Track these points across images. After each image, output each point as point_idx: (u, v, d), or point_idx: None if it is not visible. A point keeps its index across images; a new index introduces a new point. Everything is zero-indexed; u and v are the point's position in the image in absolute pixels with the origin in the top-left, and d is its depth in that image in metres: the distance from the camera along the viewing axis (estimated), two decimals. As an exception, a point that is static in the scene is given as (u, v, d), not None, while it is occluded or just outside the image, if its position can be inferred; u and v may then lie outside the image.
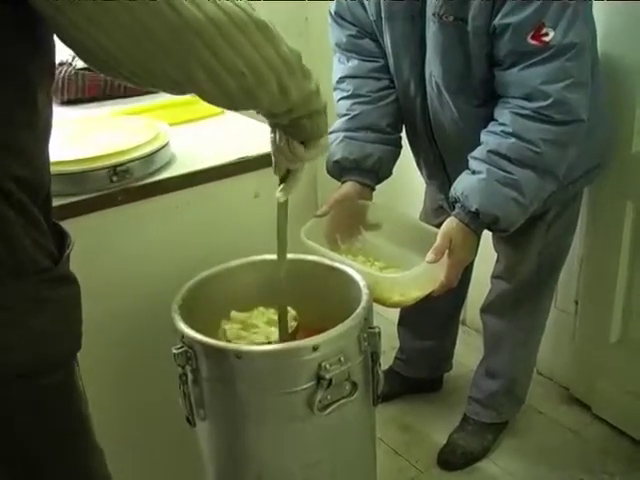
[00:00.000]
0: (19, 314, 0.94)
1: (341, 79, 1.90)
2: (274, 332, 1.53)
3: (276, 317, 1.51)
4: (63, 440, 1.07)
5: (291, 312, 1.54)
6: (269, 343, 1.48)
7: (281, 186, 1.34)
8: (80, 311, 1.05)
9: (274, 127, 1.23)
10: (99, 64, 0.91)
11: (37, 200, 0.96)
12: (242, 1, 0.94)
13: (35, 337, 0.96)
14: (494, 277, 2.14)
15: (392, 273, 1.70)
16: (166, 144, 1.63)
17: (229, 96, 0.97)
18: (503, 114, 1.61)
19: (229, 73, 0.94)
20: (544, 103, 1.56)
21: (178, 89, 0.96)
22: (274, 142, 1.25)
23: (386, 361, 2.44)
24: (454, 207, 1.67)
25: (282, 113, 1.12)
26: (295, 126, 1.18)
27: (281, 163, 1.29)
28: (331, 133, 1.87)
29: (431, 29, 1.66)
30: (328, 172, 1.86)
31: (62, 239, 1.06)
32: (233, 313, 1.58)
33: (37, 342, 0.97)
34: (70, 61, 2.07)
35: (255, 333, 1.55)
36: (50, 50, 0.94)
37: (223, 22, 0.90)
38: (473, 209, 1.61)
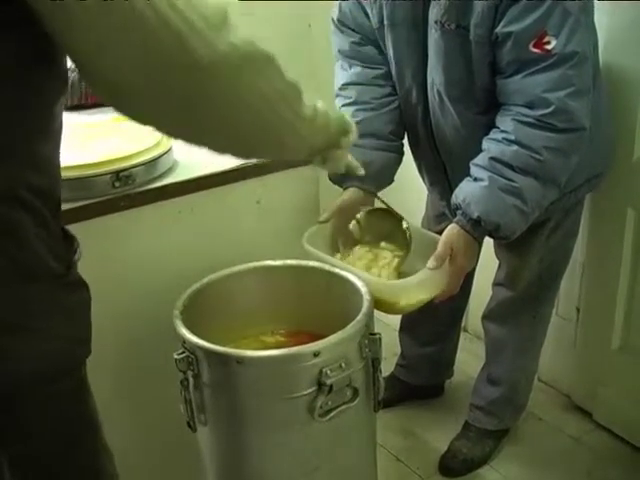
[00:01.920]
0: (34, 320, 0.94)
1: (344, 86, 1.90)
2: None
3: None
4: (77, 443, 1.08)
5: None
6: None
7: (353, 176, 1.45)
8: (89, 316, 1.06)
9: (321, 156, 1.27)
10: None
11: (51, 207, 0.97)
12: (248, 38, 0.93)
13: (49, 343, 0.96)
14: (495, 284, 2.14)
15: (394, 280, 1.70)
16: (169, 150, 1.64)
17: (247, 139, 0.99)
18: (505, 121, 1.62)
19: (246, 111, 0.94)
20: (546, 111, 1.56)
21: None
22: (329, 161, 1.29)
23: (387, 367, 2.44)
24: (455, 214, 1.67)
25: (309, 137, 1.13)
26: (330, 136, 1.22)
27: (341, 166, 1.34)
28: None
29: (433, 37, 1.66)
30: (330, 179, 1.86)
31: (71, 244, 1.06)
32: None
33: (51, 348, 0.97)
34: (74, 67, 2.08)
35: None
36: (64, 62, 0.93)
37: (233, 61, 0.89)
38: (475, 216, 1.61)
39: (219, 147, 1.01)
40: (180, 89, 0.86)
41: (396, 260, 1.74)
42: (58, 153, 0.99)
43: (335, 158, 1.28)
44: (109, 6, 0.77)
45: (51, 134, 0.95)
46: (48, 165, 0.96)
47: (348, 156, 1.35)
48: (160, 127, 0.94)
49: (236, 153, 1.06)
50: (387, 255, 1.77)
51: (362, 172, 1.44)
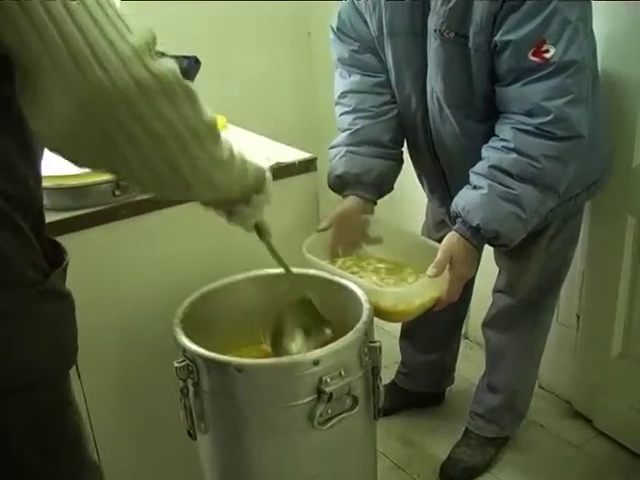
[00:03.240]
0: (4, 327, 0.93)
1: (343, 94, 1.91)
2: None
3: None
4: (58, 456, 1.06)
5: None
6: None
7: (263, 238, 1.35)
8: (71, 328, 1.04)
9: (228, 208, 1.22)
10: None
11: (27, 217, 0.96)
12: (172, 67, 0.88)
13: (17, 351, 0.95)
14: (496, 291, 2.14)
15: (393, 287, 1.70)
16: (169, 159, 1.64)
17: (152, 168, 0.93)
18: (504, 130, 1.62)
19: (151, 140, 0.89)
20: (545, 119, 1.56)
21: (98, 159, 0.93)
22: (234, 216, 1.23)
23: (388, 375, 2.44)
24: (455, 222, 1.67)
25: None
26: (242, 187, 1.17)
27: (249, 224, 1.27)
28: (333, 148, 1.88)
29: (432, 45, 1.67)
30: (330, 187, 1.87)
31: (58, 255, 1.05)
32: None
33: (22, 357, 0.95)
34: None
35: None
36: None
37: (149, 87, 0.85)
38: (474, 224, 1.61)
39: (129, 177, 0.97)
40: (92, 110, 0.83)
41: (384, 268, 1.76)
42: (37, 167, 0.99)
43: (242, 214, 1.21)
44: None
45: (27, 150, 0.95)
46: (24, 177, 0.95)
47: (259, 215, 1.26)
48: (67, 154, 0.91)
49: (145, 187, 1.03)
50: (372, 262, 1.79)
51: (271, 237, 1.35)
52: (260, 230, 1.32)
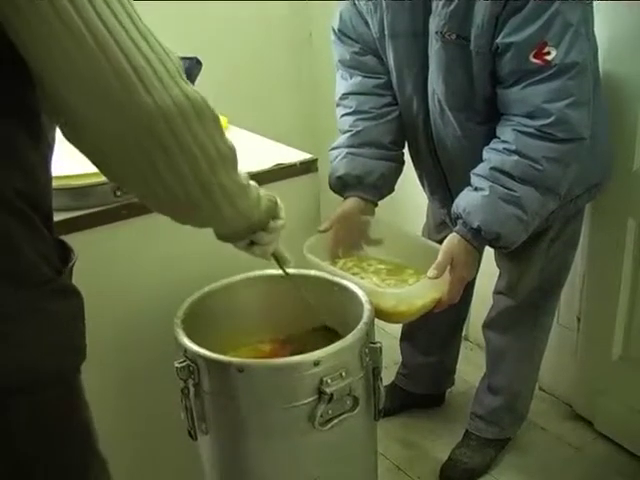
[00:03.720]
0: (17, 324, 0.93)
1: (344, 95, 1.91)
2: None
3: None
4: (65, 452, 1.07)
5: None
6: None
7: (282, 266, 1.41)
8: (83, 324, 1.05)
9: (249, 233, 1.24)
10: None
11: (40, 214, 0.97)
12: (200, 92, 0.95)
13: (31, 348, 0.96)
14: (496, 293, 2.14)
15: (394, 288, 1.71)
16: (170, 159, 1.64)
17: (185, 185, 0.97)
18: (505, 132, 1.62)
19: (186, 158, 0.94)
20: (546, 121, 1.57)
21: (136, 177, 0.97)
22: (255, 243, 1.27)
23: (389, 376, 2.44)
24: (456, 223, 1.67)
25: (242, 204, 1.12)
26: (263, 213, 1.21)
27: (268, 251, 1.32)
28: (334, 149, 1.89)
29: (434, 47, 1.67)
30: (331, 188, 1.87)
31: (65, 253, 1.07)
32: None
33: (36, 354, 0.96)
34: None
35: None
36: None
37: (186, 109, 0.91)
38: (475, 226, 1.62)
39: (155, 196, 1.00)
40: (130, 127, 0.88)
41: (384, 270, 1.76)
42: (49, 166, 1.01)
43: (263, 242, 1.25)
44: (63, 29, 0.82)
45: (40, 144, 0.97)
46: (37, 174, 0.97)
47: (277, 243, 1.32)
48: (102, 165, 0.96)
49: (170, 210, 1.07)
50: (373, 263, 1.79)
51: (291, 263, 1.42)
52: (278, 258, 1.37)
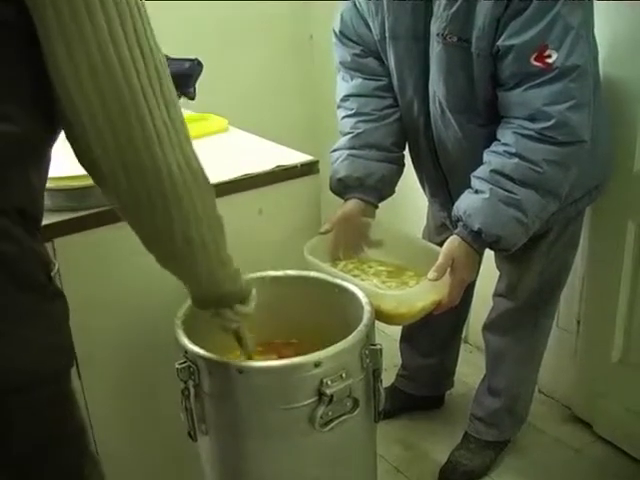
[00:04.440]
0: (16, 325, 0.95)
1: (345, 97, 1.92)
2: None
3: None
4: (60, 451, 1.08)
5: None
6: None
7: (243, 347, 1.42)
8: (69, 326, 1.07)
9: (214, 304, 1.28)
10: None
11: (36, 221, 1.01)
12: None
13: (33, 350, 0.97)
14: (496, 295, 2.14)
15: (395, 290, 1.71)
16: (171, 160, 1.64)
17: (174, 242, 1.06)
18: (506, 134, 1.63)
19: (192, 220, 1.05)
20: (547, 124, 1.57)
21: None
22: (218, 316, 1.30)
23: (388, 378, 2.44)
24: (456, 226, 1.68)
25: (219, 271, 1.18)
26: (233, 289, 1.25)
27: (230, 328, 1.35)
28: (335, 151, 1.89)
29: (435, 49, 1.67)
30: (331, 190, 1.87)
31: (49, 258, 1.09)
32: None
33: (35, 355, 0.98)
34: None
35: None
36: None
37: (186, 176, 1.01)
38: (475, 228, 1.62)
39: (146, 241, 1.10)
40: (144, 186, 0.98)
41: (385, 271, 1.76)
42: (46, 177, 1.05)
43: (225, 317, 1.29)
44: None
45: (42, 165, 1.02)
46: (35, 189, 1.00)
47: (238, 323, 1.34)
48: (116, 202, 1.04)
49: (160, 257, 1.12)
50: (374, 265, 1.80)
51: (251, 349, 1.43)
52: (240, 338, 1.40)
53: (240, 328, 1.36)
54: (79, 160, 0.98)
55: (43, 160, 1.01)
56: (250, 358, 1.43)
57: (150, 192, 0.98)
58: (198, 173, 1.03)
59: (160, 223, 1.03)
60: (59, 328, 1.03)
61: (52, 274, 1.04)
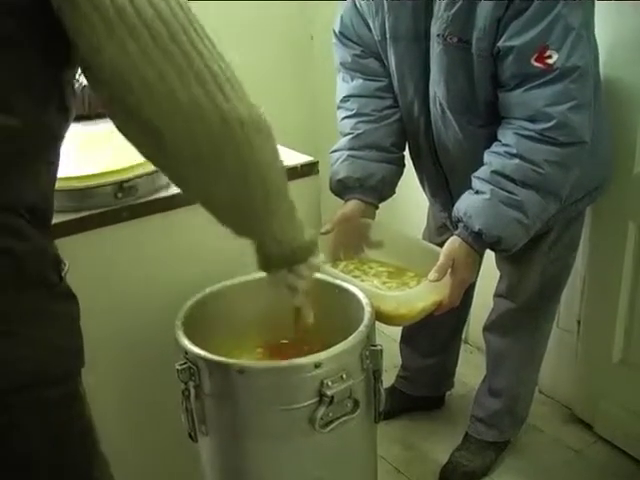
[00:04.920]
0: (27, 326, 0.95)
1: (345, 98, 1.91)
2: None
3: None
4: (67, 452, 1.08)
5: None
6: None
7: (296, 324, 1.39)
8: (80, 327, 1.07)
9: (286, 264, 1.24)
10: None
11: (47, 222, 1.02)
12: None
13: (42, 350, 0.97)
14: (496, 296, 2.14)
15: (395, 291, 1.71)
16: (172, 161, 1.64)
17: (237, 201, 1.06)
18: (507, 135, 1.63)
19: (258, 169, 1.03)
20: (547, 125, 1.57)
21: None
22: (286, 279, 1.27)
23: (388, 379, 2.44)
24: (457, 226, 1.67)
25: (285, 224, 1.16)
26: (300, 246, 1.22)
27: (298, 292, 1.30)
28: (335, 152, 1.89)
29: (435, 50, 1.67)
30: (332, 190, 1.87)
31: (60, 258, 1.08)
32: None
33: (44, 355, 0.98)
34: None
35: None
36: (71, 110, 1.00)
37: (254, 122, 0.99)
38: (476, 229, 1.62)
39: (211, 197, 1.07)
40: (201, 135, 0.95)
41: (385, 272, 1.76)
42: (56, 175, 1.05)
43: (299, 274, 1.25)
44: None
45: (53, 160, 1.01)
46: (45, 185, 1.00)
47: (300, 288, 1.29)
48: (164, 166, 1.03)
49: (229, 218, 1.11)
50: (374, 266, 1.79)
51: (311, 320, 1.37)
52: (298, 308, 1.36)
53: (303, 293, 1.32)
54: (124, 125, 0.97)
55: (53, 153, 1.00)
56: (306, 330, 1.39)
57: (221, 142, 0.96)
58: (264, 120, 1.01)
59: (234, 173, 1.01)
60: (69, 329, 1.03)
61: (63, 274, 1.03)
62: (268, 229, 1.14)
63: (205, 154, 0.96)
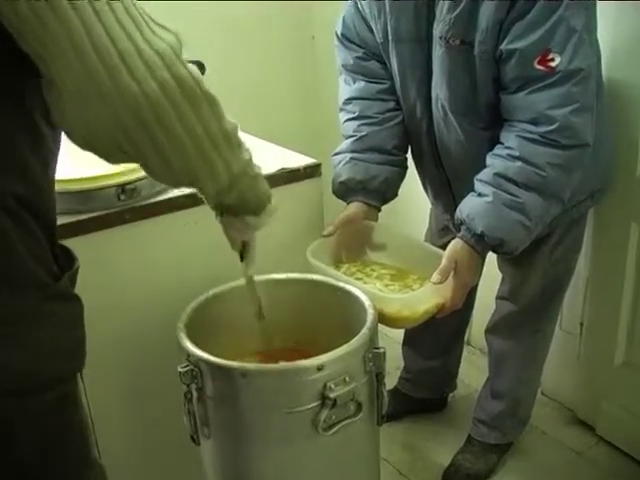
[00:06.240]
0: (16, 328, 0.94)
1: (347, 100, 1.91)
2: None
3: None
4: (62, 456, 1.07)
5: None
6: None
7: (244, 262, 1.38)
8: (82, 330, 1.06)
9: (221, 210, 1.23)
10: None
11: (39, 220, 0.97)
12: (195, 74, 0.93)
13: (30, 352, 0.96)
14: (499, 298, 2.14)
15: (398, 293, 1.70)
16: (174, 163, 1.64)
17: (169, 166, 0.97)
18: (509, 138, 1.62)
19: (172, 142, 0.94)
20: (550, 128, 1.56)
21: (119, 154, 0.96)
22: (223, 222, 1.26)
23: (391, 381, 2.43)
24: (459, 229, 1.67)
25: (225, 189, 1.10)
26: (242, 202, 1.19)
27: (236, 239, 1.30)
28: (337, 154, 1.89)
29: (438, 52, 1.67)
30: (334, 193, 1.87)
31: (68, 260, 1.07)
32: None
33: (31, 357, 0.96)
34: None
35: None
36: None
37: (173, 91, 0.90)
38: (479, 231, 1.62)
39: (147, 170, 1.01)
40: (114, 112, 0.88)
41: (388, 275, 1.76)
42: (50, 171, 1.01)
43: (268, 211, 1.24)
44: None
45: (41, 149, 0.97)
46: (37, 179, 0.97)
47: (246, 236, 1.30)
48: (95, 151, 0.96)
49: (159, 179, 1.05)
50: (376, 268, 1.80)
51: (254, 267, 1.39)
52: (244, 253, 1.35)
53: (248, 243, 1.32)
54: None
55: (38, 135, 0.96)
56: (249, 280, 1.41)
57: (130, 122, 0.89)
58: (187, 87, 0.91)
59: (154, 153, 0.94)
60: (65, 330, 1.02)
61: (65, 275, 1.02)
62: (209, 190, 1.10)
63: (106, 130, 0.91)
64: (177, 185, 1.07)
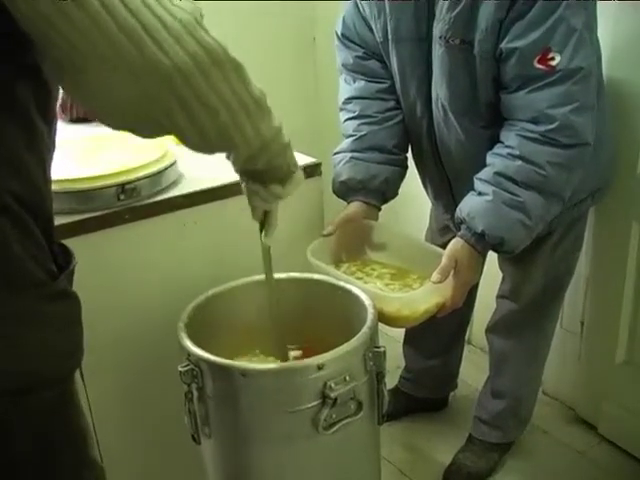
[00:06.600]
0: (14, 328, 0.93)
1: (347, 100, 1.91)
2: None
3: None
4: (61, 456, 1.07)
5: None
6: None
7: (263, 232, 1.37)
8: (79, 328, 1.05)
9: (247, 176, 1.24)
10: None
11: (36, 218, 0.97)
12: (219, 41, 0.93)
13: (28, 352, 0.95)
14: (499, 297, 2.14)
15: (398, 292, 1.70)
16: (173, 163, 1.64)
17: (205, 135, 0.98)
18: (509, 137, 1.62)
19: (206, 111, 0.94)
20: (550, 127, 1.56)
21: (156, 129, 0.96)
22: (249, 189, 1.26)
23: (391, 380, 2.43)
24: (459, 228, 1.67)
25: (256, 153, 1.11)
26: (271, 169, 1.19)
27: (259, 207, 1.30)
28: (338, 154, 1.89)
29: (437, 52, 1.67)
30: (334, 192, 1.87)
31: (66, 258, 1.06)
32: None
33: (30, 357, 0.96)
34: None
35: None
36: (40, 70, 0.94)
37: (203, 61, 0.90)
38: (479, 230, 1.61)
39: (182, 140, 1.01)
40: (145, 87, 0.88)
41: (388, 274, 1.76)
42: (46, 168, 1.00)
43: (295, 180, 1.25)
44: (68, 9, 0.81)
45: (36, 145, 0.96)
46: (31, 176, 0.96)
47: (269, 205, 1.30)
48: (125, 127, 0.96)
49: (194, 148, 1.04)
50: (377, 267, 1.80)
51: (272, 235, 1.38)
52: (265, 223, 1.34)
53: (271, 214, 1.32)
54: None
55: (33, 131, 0.95)
56: (266, 251, 1.40)
57: (163, 94, 0.89)
58: (215, 55, 0.92)
59: (188, 123, 0.94)
60: (62, 329, 1.01)
61: (63, 272, 1.01)
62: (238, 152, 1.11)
63: (145, 108, 0.91)
64: (212, 152, 1.07)
